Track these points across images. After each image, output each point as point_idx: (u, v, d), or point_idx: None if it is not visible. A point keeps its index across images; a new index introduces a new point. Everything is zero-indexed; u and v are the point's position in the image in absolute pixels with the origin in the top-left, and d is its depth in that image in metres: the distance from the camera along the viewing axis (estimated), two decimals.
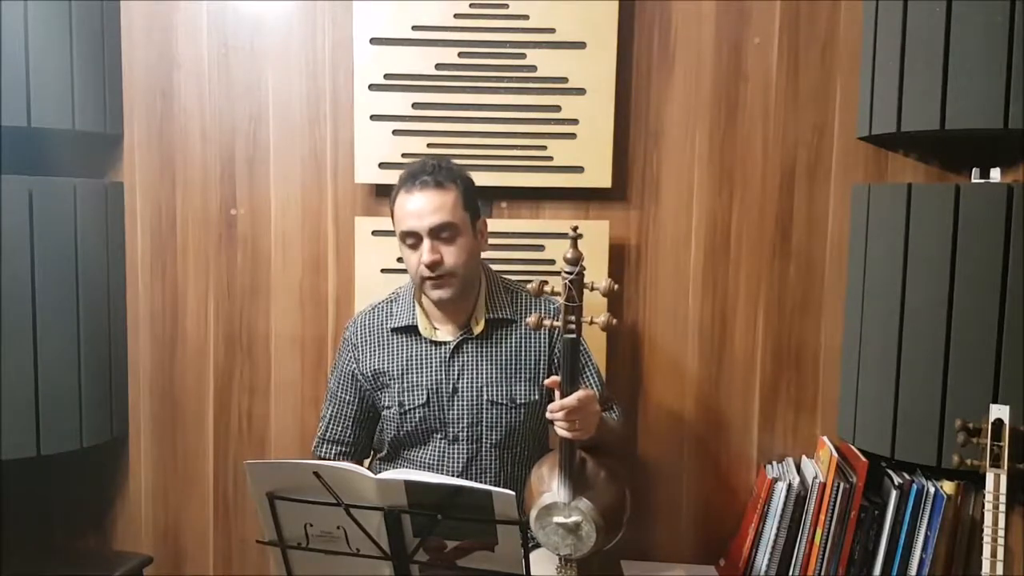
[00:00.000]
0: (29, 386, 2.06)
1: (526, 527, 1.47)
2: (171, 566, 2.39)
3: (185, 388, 2.35)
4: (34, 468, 2.18)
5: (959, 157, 2.15)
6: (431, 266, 1.77)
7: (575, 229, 1.60)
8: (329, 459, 1.95)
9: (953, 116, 1.89)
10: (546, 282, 1.62)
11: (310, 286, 2.31)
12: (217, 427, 2.36)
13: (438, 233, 1.78)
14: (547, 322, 1.63)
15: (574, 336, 1.61)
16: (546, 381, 1.67)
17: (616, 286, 1.58)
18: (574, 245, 1.59)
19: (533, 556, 1.73)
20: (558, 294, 1.60)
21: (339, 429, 1.97)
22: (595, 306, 1.83)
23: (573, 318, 1.60)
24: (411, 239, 1.80)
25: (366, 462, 2.05)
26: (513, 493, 1.35)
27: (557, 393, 1.64)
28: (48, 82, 2.07)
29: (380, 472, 1.95)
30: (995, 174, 2.03)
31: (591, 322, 1.60)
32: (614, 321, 1.58)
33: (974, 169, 2.06)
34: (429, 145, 2.19)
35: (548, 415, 1.65)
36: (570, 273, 1.58)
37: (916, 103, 1.95)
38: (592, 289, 1.59)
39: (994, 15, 1.84)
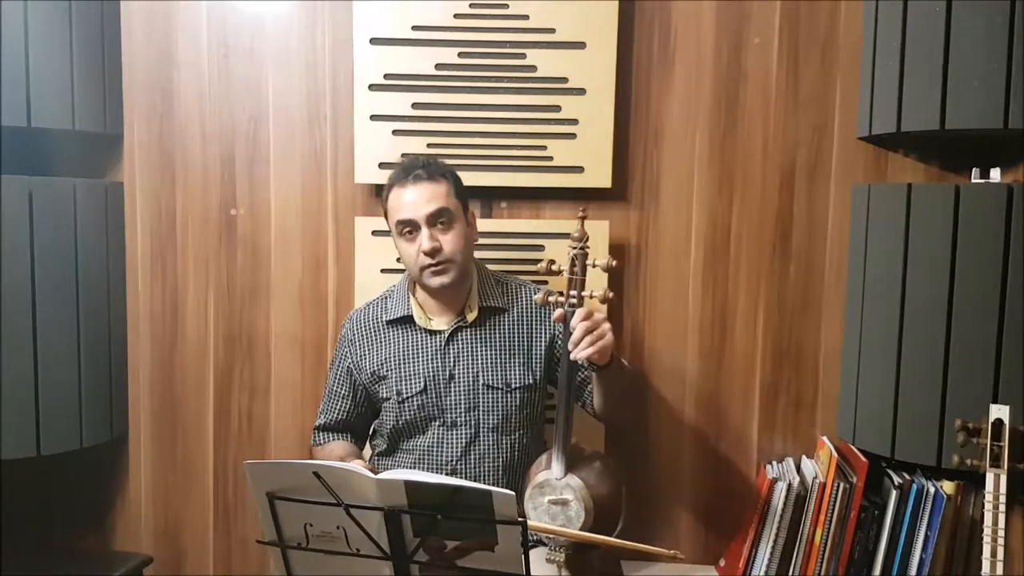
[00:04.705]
0: (29, 386, 2.07)
1: (526, 526, 1.47)
2: (171, 566, 2.39)
3: (185, 388, 2.35)
4: (34, 468, 2.18)
5: (959, 157, 2.14)
6: (431, 252, 1.82)
7: (583, 210, 1.76)
8: (323, 444, 2.02)
9: (953, 116, 1.89)
10: (553, 261, 1.77)
11: (310, 286, 2.31)
12: (217, 427, 2.36)
13: (435, 220, 1.84)
14: (552, 298, 1.72)
15: (575, 308, 1.72)
16: (554, 316, 1.74)
17: (614, 262, 1.72)
18: (581, 224, 1.73)
19: (533, 556, 1.73)
20: (563, 271, 1.73)
21: (334, 418, 2.03)
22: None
23: (575, 292, 1.71)
24: (408, 227, 1.85)
25: (366, 457, 2.05)
26: (513, 493, 1.35)
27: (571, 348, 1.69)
28: (48, 82, 2.06)
29: (380, 469, 1.97)
30: (995, 174, 2.03)
31: (591, 295, 1.71)
32: (610, 294, 1.72)
33: (974, 169, 2.06)
34: (429, 145, 2.19)
35: (571, 349, 1.67)
36: (577, 248, 1.73)
37: (916, 103, 1.95)
38: (594, 265, 1.73)
39: (994, 15, 1.83)
